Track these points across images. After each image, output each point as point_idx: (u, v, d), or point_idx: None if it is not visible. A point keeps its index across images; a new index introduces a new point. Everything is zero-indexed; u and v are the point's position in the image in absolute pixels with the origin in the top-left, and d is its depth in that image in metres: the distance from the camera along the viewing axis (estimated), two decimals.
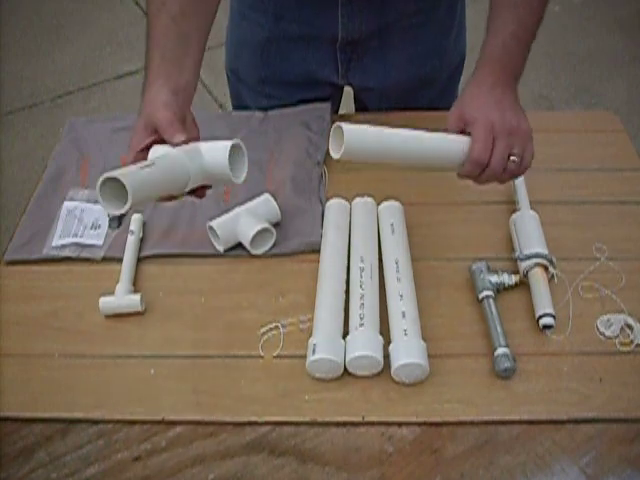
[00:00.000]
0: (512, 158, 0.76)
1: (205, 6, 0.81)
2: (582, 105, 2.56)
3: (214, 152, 0.73)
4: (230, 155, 0.71)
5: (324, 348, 0.75)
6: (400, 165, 0.77)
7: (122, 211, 0.64)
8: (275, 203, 0.93)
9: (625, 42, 2.87)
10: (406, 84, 1.08)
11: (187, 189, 0.73)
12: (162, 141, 0.73)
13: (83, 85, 2.72)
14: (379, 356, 0.75)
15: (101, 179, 0.63)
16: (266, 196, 0.93)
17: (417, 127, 0.75)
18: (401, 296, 0.80)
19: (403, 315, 0.78)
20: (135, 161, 0.71)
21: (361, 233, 0.89)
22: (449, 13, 1.06)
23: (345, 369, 0.76)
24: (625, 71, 2.72)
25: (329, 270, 0.85)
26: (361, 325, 0.77)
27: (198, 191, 0.77)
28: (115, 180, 0.62)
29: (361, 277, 0.83)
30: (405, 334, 0.76)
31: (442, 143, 0.76)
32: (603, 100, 2.58)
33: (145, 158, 0.73)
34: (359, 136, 0.70)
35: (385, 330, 0.79)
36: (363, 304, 0.79)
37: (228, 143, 0.72)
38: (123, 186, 0.62)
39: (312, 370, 0.76)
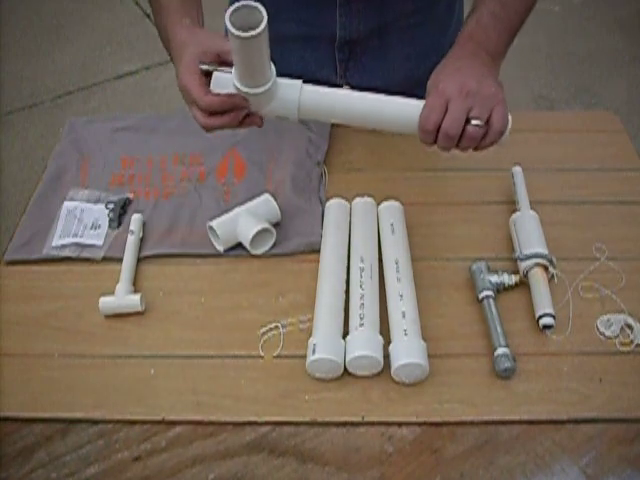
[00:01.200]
0: (473, 122, 0.73)
1: None
2: (582, 105, 2.56)
3: (288, 88, 0.77)
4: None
5: (324, 348, 0.75)
6: (358, 125, 0.79)
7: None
8: (275, 203, 0.93)
9: (625, 42, 2.87)
10: (405, 84, 1.08)
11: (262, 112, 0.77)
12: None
13: (83, 85, 2.72)
14: (379, 356, 0.75)
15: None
16: (266, 196, 0.93)
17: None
18: (401, 296, 0.80)
19: (403, 315, 0.78)
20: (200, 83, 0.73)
21: (361, 233, 0.89)
22: (447, 12, 1.06)
23: (345, 369, 0.76)
24: (625, 71, 2.72)
25: (329, 270, 0.85)
26: (361, 325, 0.77)
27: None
28: None
29: (361, 277, 0.83)
30: (405, 334, 0.76)
31: (398, 106, 0.77)
32: (603, 100, 2.58)
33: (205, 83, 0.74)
34: (314, 96, 0.76)
35: (385, 330, 0.79)
36: (363, 304, 0.79)
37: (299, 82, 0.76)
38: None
39: (312, 370, 0.76)
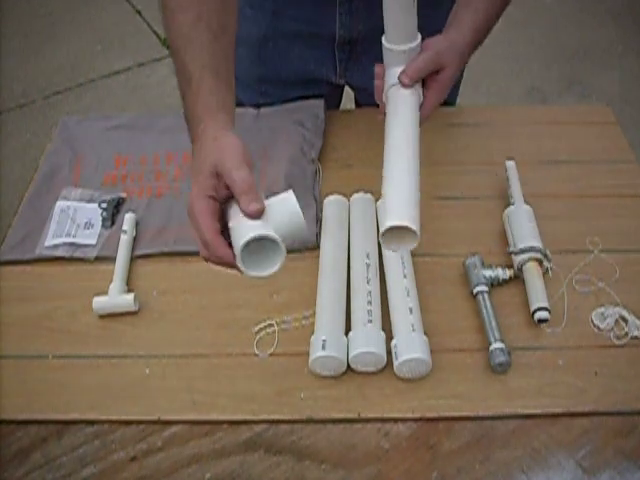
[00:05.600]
0: None
1: (234, 18, 0.80)
2: (575, 97, 2.56)
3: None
4: None
5: (333, 345, 0.75)
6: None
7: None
8: (297, 206, 0.65)
9: (617, 33, 2.87)
10: None
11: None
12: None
13: (75, 83, 2.71)
14: (383, 352, 0.75)
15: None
16: (288, 196, 0.66)
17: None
18: (407, 292, 0.80)
19: (410, 311, 0.78)
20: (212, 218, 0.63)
21: (362, 229, 0.89)
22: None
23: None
24: (618, 62, 2.72)
25: (331, 266, 0.84)
26: (370, 322, 0.77)
27: None
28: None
29: (367, 273, 0.82)
30: (413, 329, 0.76)
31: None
32: (596, 92, 2.58)
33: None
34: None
35: (385, 326, 0.78)
36: (370, 301, 0.79)
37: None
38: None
39: (315, 367, 0.76)
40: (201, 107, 0.68)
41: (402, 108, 0.75)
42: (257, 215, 0.61)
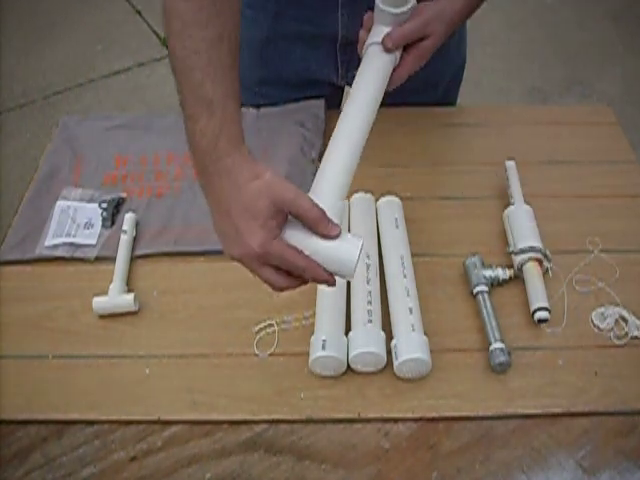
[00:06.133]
0: None
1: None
2: (576, 97, 2.56)
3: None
4: None
5: (333, 345, 0.75)
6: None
7: None
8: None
9: (618, 33, 2.87)
10: (408, 86, 1.07)
11: None
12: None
13: (75, 83, 2.71)
14: (383, 352, 0.75)
15: None
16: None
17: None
18: (407, 292, 0.80)
19: (410, 311, 0.78)
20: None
21: (363, 229, 0.89)
22: None
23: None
24: (619, 62, 2.72)
25: None
26: (369, 322, 0.77)
27: None
28: None
29: (368, 273, 0.82)
30: (413, 329, 0.76)
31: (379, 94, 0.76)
32: (596, 91, 2.58)
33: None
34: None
35: (384, 326, 0.78)
36: (370, 301, 0.79)
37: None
38: None
39: (315, 367, 0.76)
40: (225, 140, 0.65)
41: (373, 74, 0.76)
42: (338, 235, 0.63)
